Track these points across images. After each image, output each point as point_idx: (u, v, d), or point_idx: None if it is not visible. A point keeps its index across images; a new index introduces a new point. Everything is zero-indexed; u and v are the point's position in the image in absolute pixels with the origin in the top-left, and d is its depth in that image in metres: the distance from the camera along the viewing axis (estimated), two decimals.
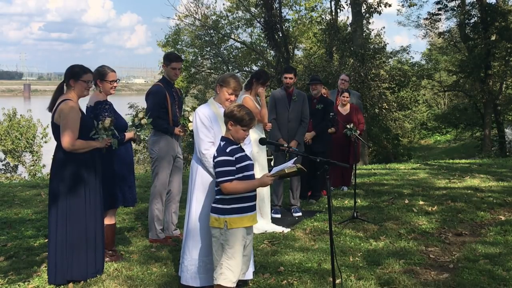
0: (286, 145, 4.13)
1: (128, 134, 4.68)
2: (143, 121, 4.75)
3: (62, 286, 4.13)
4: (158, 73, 30.71)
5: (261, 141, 4.35)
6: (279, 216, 6.50)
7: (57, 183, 4.13)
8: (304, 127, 6.69)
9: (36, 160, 20.56)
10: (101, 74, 4.59)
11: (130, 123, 4.78)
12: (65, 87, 4.23)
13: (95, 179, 4.24)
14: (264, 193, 6.10)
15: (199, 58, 28.50)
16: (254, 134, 5.97)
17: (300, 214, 6.62)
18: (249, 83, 6.15)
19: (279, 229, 5.85)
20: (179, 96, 5.56)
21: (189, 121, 5.28)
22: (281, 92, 6.73)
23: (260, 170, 5.97)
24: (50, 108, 4.19)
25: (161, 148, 5.27)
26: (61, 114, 4.07)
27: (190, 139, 5.76)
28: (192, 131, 5.33)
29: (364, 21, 19.46)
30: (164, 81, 5.44)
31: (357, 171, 7.85)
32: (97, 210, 4.26)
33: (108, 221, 4.67)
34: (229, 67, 27.72)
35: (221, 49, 27.73)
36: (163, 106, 5.24)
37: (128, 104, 24.28)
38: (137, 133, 4.75)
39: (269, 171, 3.80)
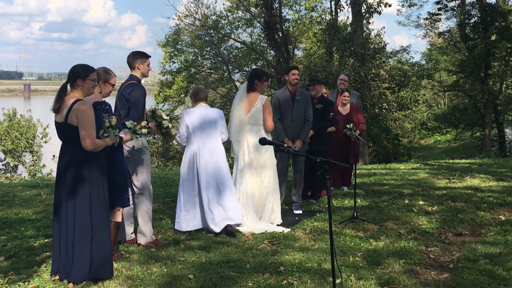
0: (286, 145, 4.13)
1: (125, 137, 4.67)
2: (144, 131, 4.73)
3: (62, 286, 4.13)
4: (158, 73, 30.68)
5: (261, 141, 4.35)
6: None
7: (75, 183, 4.09)
8: (307, 126, 6.71)
9: (36, 160, 20.52)
10: (106, 77, 4.63)
11: (130, 127, 4.74)
12: (69, 87, 4.18)
13: (103, 177, 4.24)
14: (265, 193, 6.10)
15: (199, 58, 28.48)
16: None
17: (300, 212, 6.62)
18: (252, 84, 6.08)
19: (279, 229, 5.84)
20: None
21: (163, 119, 5.13)
22: (285, 93, 6.72)
23: (260, 170, 5.97)
24: (57, 109, 4.10)
25: (143, 149, 5.22)
26: (78, 114, 4.02)
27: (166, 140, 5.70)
28: (166, 128, 5.21)
29: (364, 21, 19.42)
30: (137, 79, 5.21)
31: (357, 171, 7.85)
32: (105, 209, 4.27)
33: (116, 218, 4.68)
34: (229, 67, 27.72)
35: (221, 49, 27.70)
36: (143, 106, 5.20)
37: None
38: (135, 139, 4.76)
39: None
